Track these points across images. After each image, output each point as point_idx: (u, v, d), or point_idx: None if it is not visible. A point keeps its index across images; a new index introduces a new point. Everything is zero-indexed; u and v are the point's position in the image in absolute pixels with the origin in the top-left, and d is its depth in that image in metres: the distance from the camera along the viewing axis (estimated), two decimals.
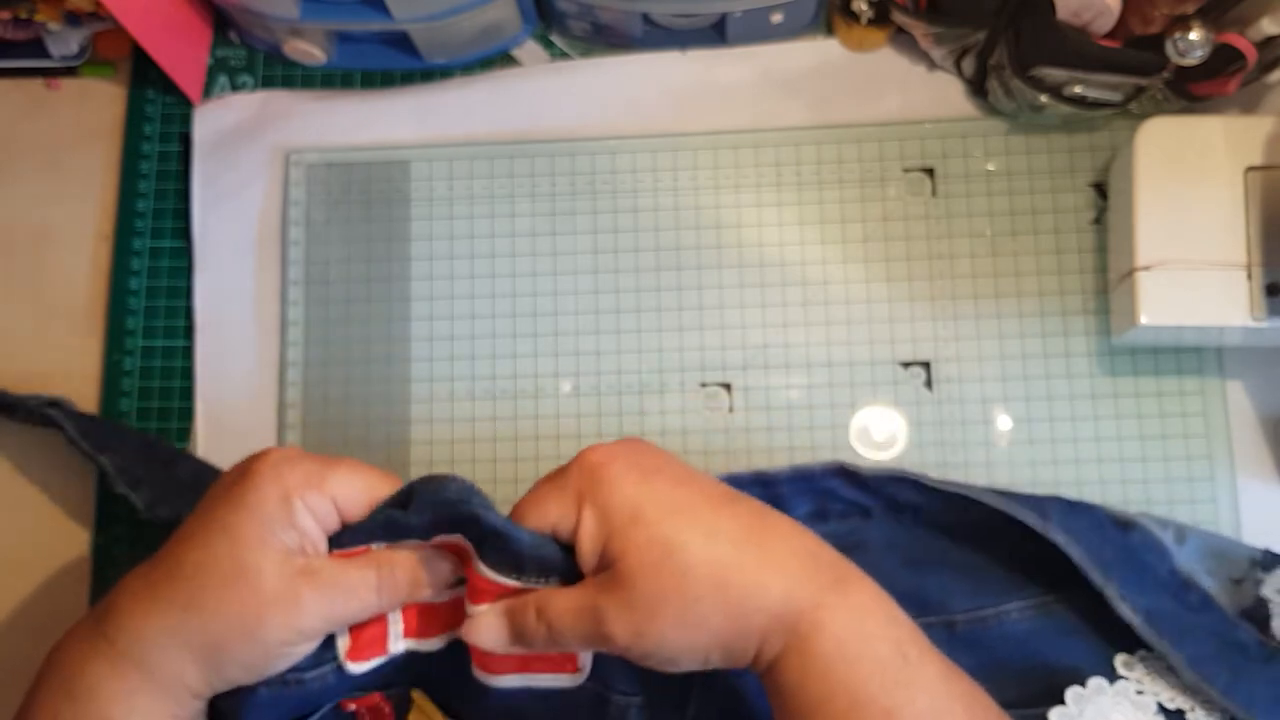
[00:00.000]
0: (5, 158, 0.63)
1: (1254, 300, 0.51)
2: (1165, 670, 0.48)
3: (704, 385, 0.58)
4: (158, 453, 0.55)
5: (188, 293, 0.60)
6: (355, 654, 0.46)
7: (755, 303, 0.58)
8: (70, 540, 0.58)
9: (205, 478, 0.52)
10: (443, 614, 0.47)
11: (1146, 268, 0.52)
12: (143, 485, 0.53)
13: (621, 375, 0.58)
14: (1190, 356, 0.56)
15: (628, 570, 0.39)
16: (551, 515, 0.42)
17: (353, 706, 0.48)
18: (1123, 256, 0.54)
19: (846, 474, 0.51)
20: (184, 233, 0.61)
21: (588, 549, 0.41)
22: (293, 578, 0.41)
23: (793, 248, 0.59)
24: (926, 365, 0.57)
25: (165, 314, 0.60)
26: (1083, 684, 0.48)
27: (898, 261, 0.58)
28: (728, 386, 0.58)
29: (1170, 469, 0.55)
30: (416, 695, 0.49)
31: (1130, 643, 0.49)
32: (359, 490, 0.44)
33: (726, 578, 0.39)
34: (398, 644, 0.47)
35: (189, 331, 0.60)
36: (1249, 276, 0.51)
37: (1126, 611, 0.48)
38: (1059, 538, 0.48)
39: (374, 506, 0.44)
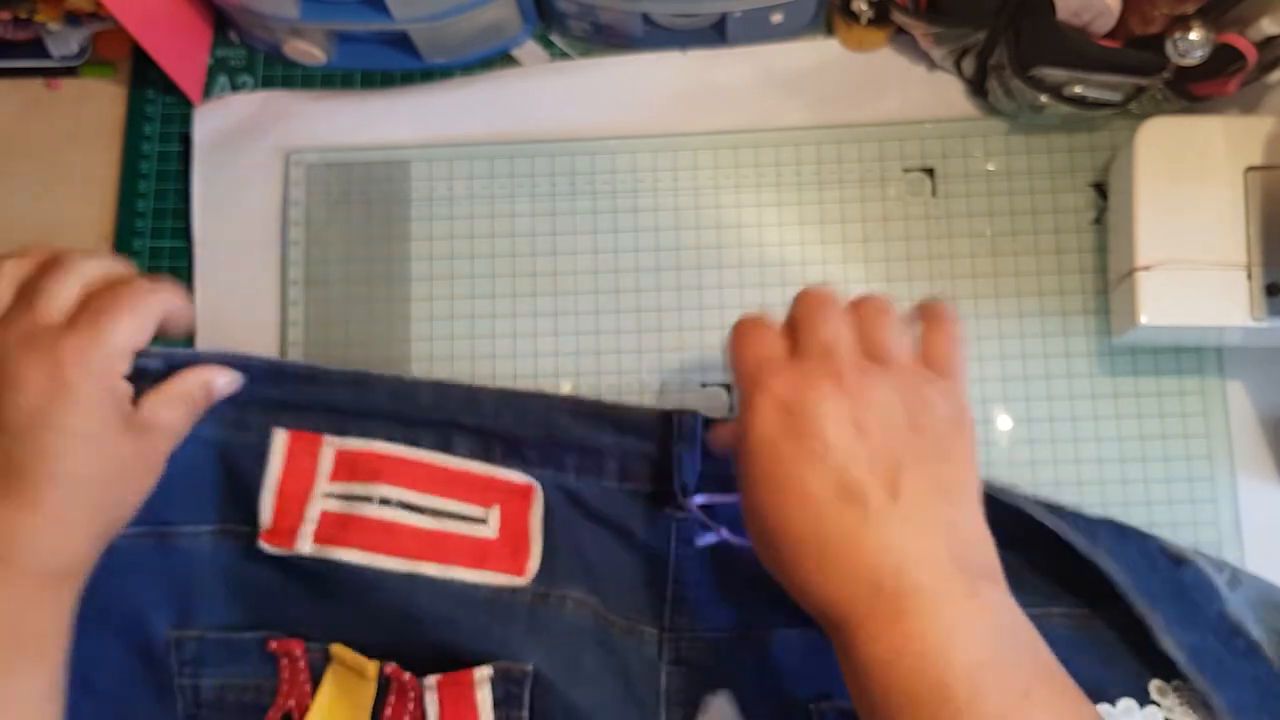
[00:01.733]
0: (5, 158, 0.63)
1: (1254, 300, 0.51)
2: (1199, 704, 0.48)
3: (704, 385, 0.58)
4: None
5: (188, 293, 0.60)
6: (269, 537, 0.51)
7: (755, 303, 0.58)
8: None
9: None
10: (359, 528, 0.51)
11: (1146, 268, 0.52)
12: None
13: (621, 375, 0.58)
14: (1190, 356, 0.56)
15: (740, 483, 0.43)
16: (738, 361, 0.44)
17: (274, 645, 0.51)
18: (1123, 256, 0.54)
19: None
20: (184, 233, 0.61)
21: (732, 426, 0.46)
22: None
23: (793, 248, 0.59)
24: None
25: None
26: (1113, 703, 0.48)
27: (898, 261, 0.58)
28: (728, 387, 0.58)
29: (1170, 469, 0.55)
30: (335, 649, 0.50)
31: (1167, 671, 0.49)
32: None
33: (784, 567, 0.42)
34: (304, 544, 0.51)
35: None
36: (1249, 276, 0.52)
37: (1170, 645, 0.48)
38: (1106, 565, 0.48)
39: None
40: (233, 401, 0.52)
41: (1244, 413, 0.56)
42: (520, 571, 0.51)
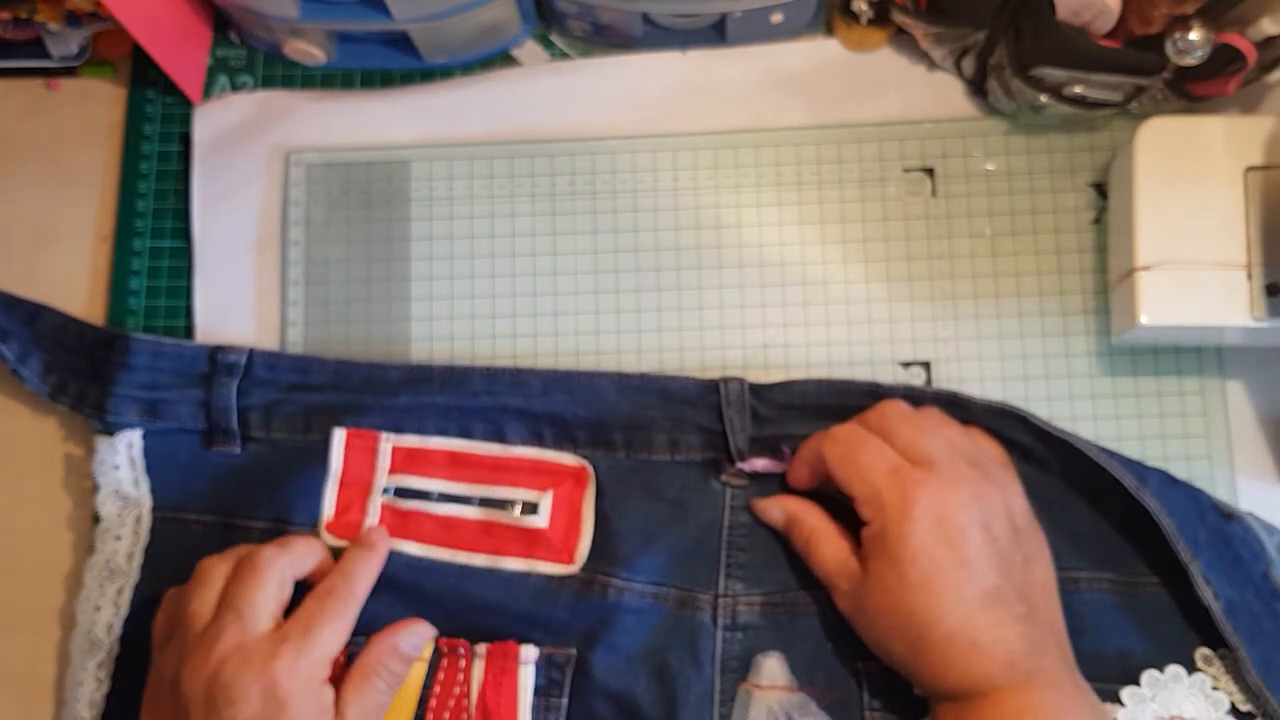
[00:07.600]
0: (5, 158, 0.63)
1: (1254, 300, 0.51)
2: (1244, 671, 0.49)
3: None
4: (19, 309, 0.58)
5: (188, 293, 0.60)
6: (333, 528, 0.54)
7: (755, 303, 0.58)
8: (70, 539, 0.58)
9: (67, 329, 0.57)
10: (417, 523, 0.54)
11: (1146, 268, 0.52)
12: (11, 338, 0.57)
13: None
14: (1190, 356, 0.56)
15: (864, 592, 0.48)
16: (866, 471, 0.48)
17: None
18: (1123, 256, 0.54)
19: (957, 404, 0.53)
20: (184, 233, 0.61)
21: (863, 515, 0.48)
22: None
23: (793, 248, 0.59)
24: (926, 365, 0.57)
25: (165, 314, 0.60)
26: (1160, 669, 0.49)
27: (898, 261, 0.58)
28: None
29: (1170, 469, 0.55)
30: None
31: (1214, 640, 0.50)
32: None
33: (921, 655, 0.46)
34: None
35: (189, 331, 0.59)
36: (1249, 276, 0.52)
37: (1207, 594, 0.49)
38: (1151, 504, 0.49)
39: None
40: (301, 407, 0.55)
41: (1244, 413, 0.56)
42: (570, 560, 0.53)
